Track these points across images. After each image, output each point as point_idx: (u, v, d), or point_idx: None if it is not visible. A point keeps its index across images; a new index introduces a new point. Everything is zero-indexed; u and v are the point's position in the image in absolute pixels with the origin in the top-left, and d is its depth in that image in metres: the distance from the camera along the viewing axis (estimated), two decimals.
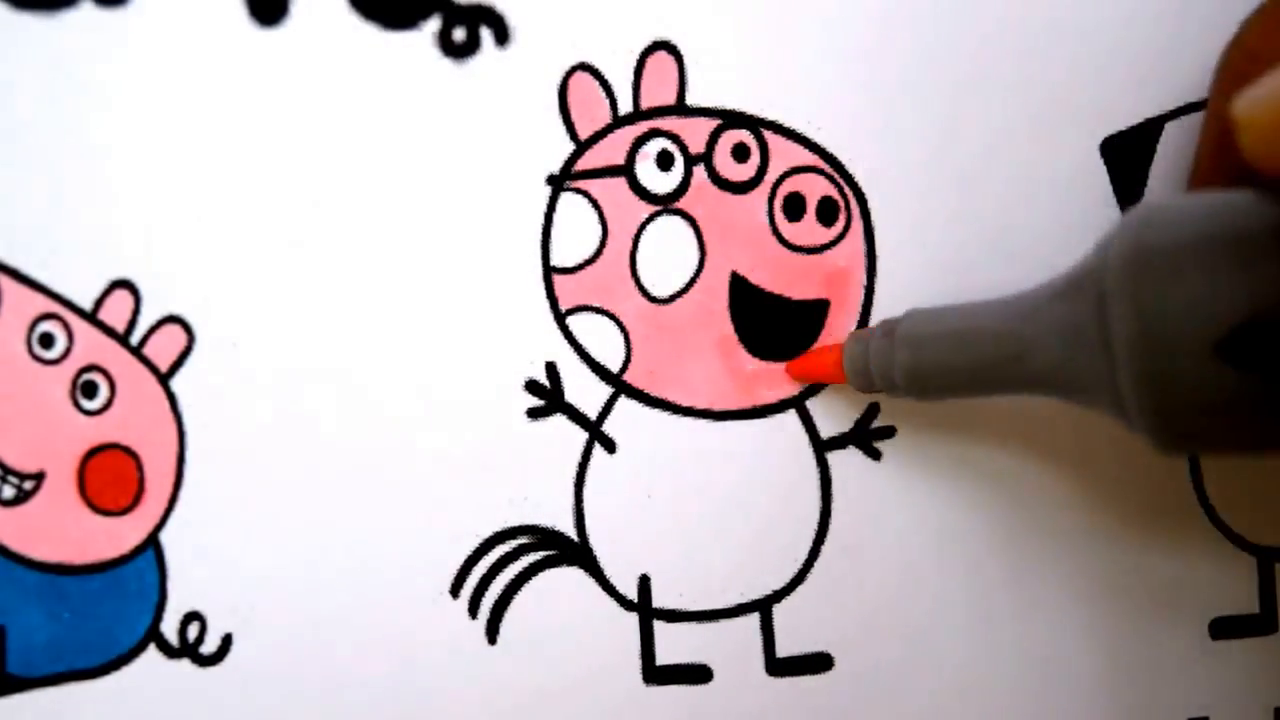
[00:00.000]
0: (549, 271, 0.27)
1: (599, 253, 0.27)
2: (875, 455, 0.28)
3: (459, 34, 0.26)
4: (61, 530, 0.25)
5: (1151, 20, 0.28)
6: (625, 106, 0.27)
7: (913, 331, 0.24)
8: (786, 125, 0.27)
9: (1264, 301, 0.18)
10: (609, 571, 0.27)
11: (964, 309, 0.24)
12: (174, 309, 0.26)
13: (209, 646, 0.26)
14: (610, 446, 0.27)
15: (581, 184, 0.27)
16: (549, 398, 0.27)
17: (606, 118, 0.27)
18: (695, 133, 0.27)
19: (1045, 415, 0.28)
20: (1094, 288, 0.20)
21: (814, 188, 0.27)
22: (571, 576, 0.27)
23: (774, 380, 0.27)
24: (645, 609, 0.27)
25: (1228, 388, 0.19)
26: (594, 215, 0.27)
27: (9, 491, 0.25)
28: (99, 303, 0.25)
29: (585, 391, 0.27)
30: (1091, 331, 0.20)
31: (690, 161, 0.27)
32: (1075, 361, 0.21)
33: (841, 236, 0.27)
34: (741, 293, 0.27)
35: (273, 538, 0.26)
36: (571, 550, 0.27)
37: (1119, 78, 0.28)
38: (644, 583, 0.27)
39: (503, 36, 0.26)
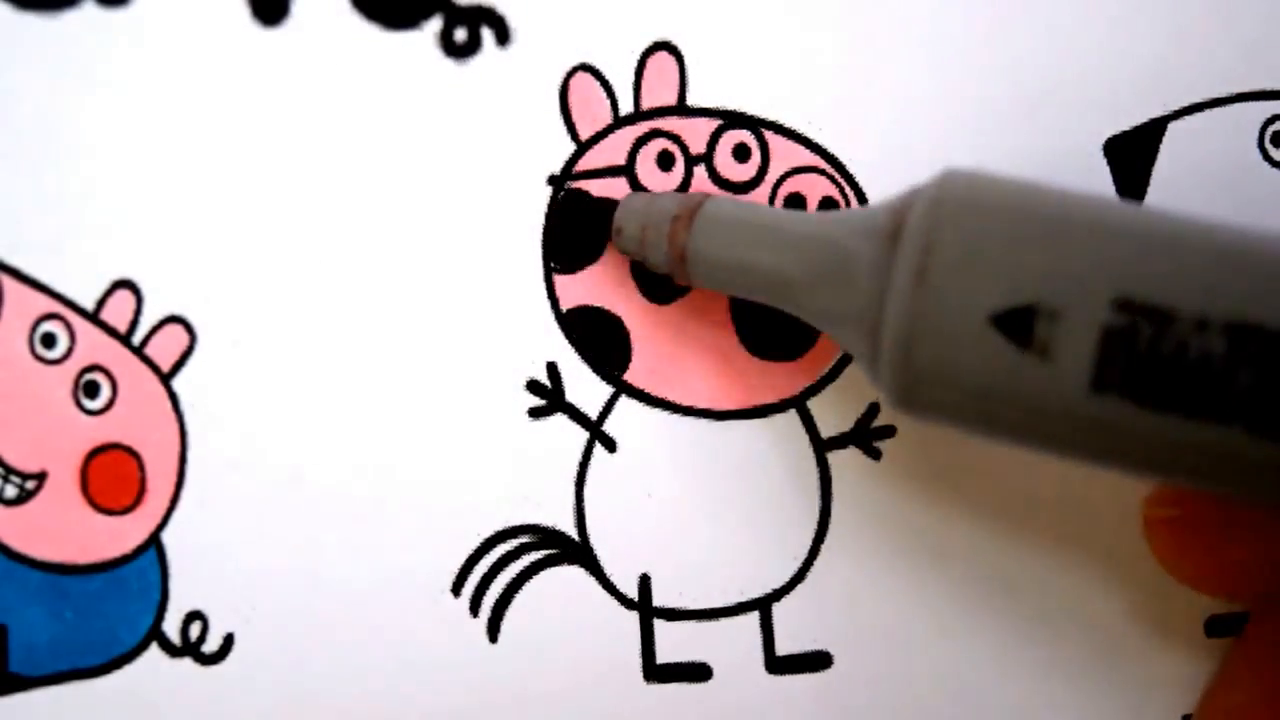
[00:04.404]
0: (550, 271, 0.27)
1: (600, 253, 0.27)
2: (875, 455, 0.28)
3: (460, 34, 0.26)
4: (63, 530, 0.25)
5: (1155, 19, 0.28)
6: (626, 107, 0.27)
7: (717, 215, 0.24)
8: (787, 125, 0.27)
9: (1050, 294, 0.19)
10: (609, 570, 0.27)
11: (766, 211, 0.25)
12: (176, 309, 0.26)
13: (211, 645, 0.26)
14: (611, 446, 0.27)
15: (583, 184, 0.27)
16: (550, 397, 0.27)
17: (607, 118, 0.27)
18: (696, 133, 0.27)
19: None
20: (892, 223, 0.22)
21: (815, 188, 0.27)
22: (572, 575, 0.27)
23: (774, 380, 0.28)
24: (645, 607, 0.27)
25: (989, 351, 0.20)
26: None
27: (11, 491, 0.25)
28: (101, 303, 0.25)
29: (586, 391, 0.27)
30: (880, 258, 0.21)
31: (691, 162, 0.27)
32: (852, 282, 0.22)
33: None
34: None
35: (274, 537, 0.26)
36: (572, 549, 0.27)
37: (1123, 78, 0.28)
38: (644, 581, 0.27)
39: (504, 37, 0.26)
